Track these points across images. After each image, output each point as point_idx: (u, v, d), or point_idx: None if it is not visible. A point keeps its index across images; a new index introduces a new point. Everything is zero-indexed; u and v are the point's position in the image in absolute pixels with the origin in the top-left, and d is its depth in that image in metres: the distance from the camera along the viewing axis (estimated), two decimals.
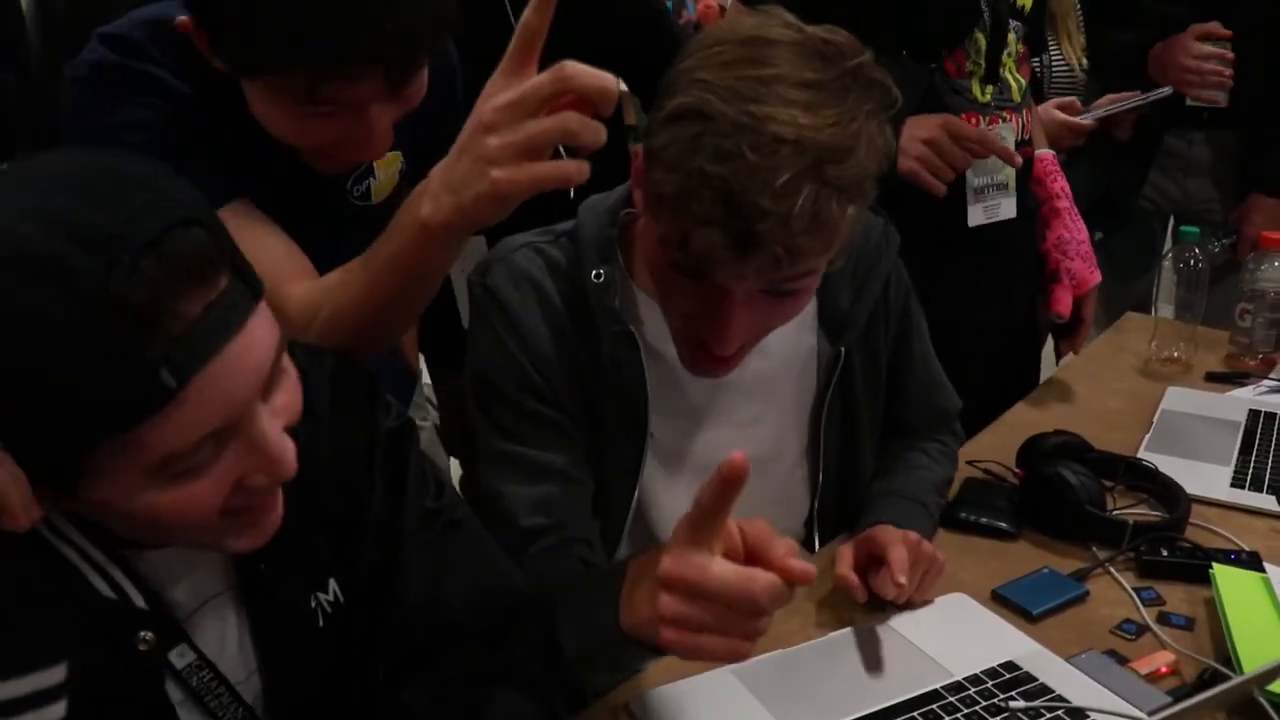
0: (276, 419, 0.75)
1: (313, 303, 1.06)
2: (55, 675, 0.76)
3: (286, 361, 0.78)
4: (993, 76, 1.63)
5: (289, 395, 0.78)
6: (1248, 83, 2.19)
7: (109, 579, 0.80)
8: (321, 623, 0.91)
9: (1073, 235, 1.75)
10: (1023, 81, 1.70)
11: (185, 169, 0.76)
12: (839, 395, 1.27)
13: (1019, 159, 1.65)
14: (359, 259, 1.05)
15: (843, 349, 1.25)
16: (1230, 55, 2.18)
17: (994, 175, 1.66)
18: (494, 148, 0.85)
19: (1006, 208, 1.69)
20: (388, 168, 1.29)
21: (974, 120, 1.63)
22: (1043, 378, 1.91)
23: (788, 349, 1.25)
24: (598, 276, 1.13)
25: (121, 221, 0.66)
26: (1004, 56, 1.64)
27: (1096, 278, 1.75)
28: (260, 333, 0.72)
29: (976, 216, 1.67)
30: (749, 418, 1.24)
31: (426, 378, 1.58)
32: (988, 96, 1.65)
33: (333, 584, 0.92)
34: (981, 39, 1.62)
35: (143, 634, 0.81)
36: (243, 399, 0.71)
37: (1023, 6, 1.67)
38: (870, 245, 1.26)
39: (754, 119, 0.92)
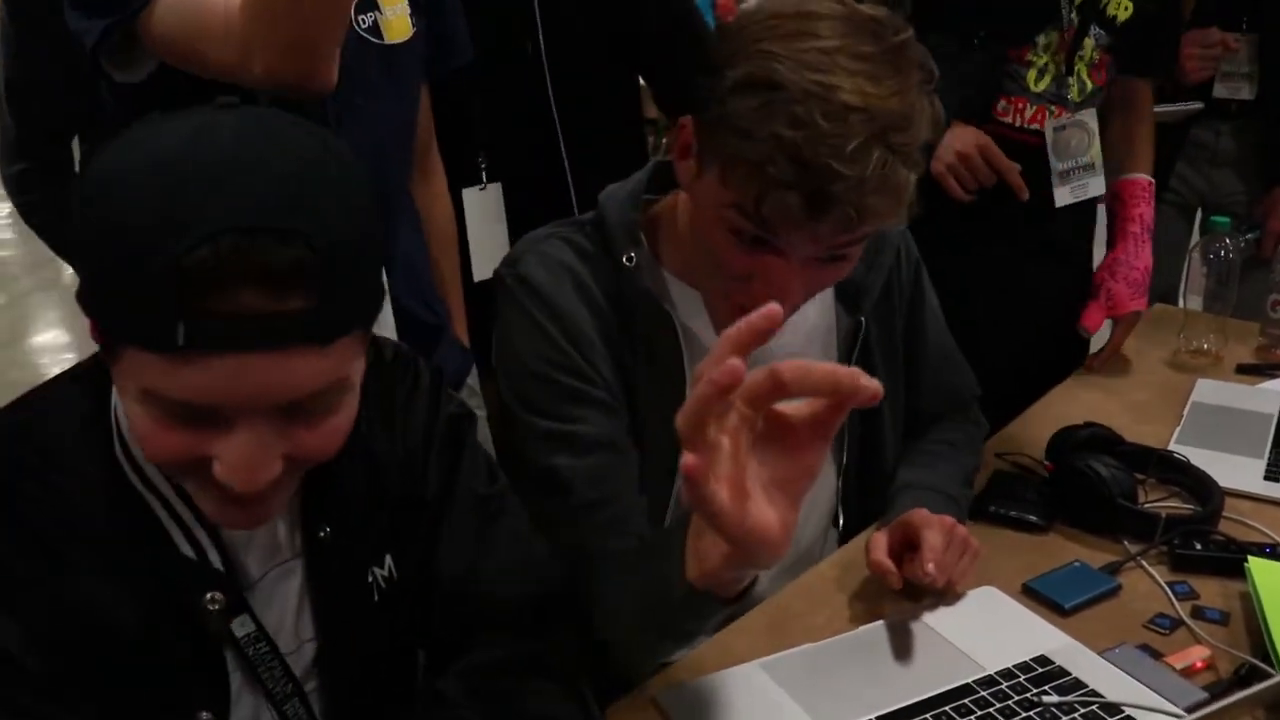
0: (281, 443, 0.76)
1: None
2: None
3: (343, 411, 0.79)
4: (1070, 69, 1.69)
5: (318, 435, 0.78)
6: (1276, 76, 2.16)
7: (191, 538, 0.84)
8: (376, 597, 0.94)
9: (1128, 260, 1.76)
10: (1089, 85, 1.72)
11: None
12: (860, 366, 1.26)
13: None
14: None
15: (862, 319, 1.26)
16: (1234, 45, 2.16)
17: (1079, 158, 1.71)
18: None
19: (1095, 186, 1.74)
20: (392, 4, 1.30)
21: (1021, 104, 1.69)
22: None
23: (809, 324, 1.26)
24: (629, 260, 1.13)
25: (251, 195, 0.69)
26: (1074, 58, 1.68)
27: (1138, 305, 1.76)
28: (292, 367, 0.72)
29: (1064, 197, 1.74)
30: None
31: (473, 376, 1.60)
32: (1041, 86, 1.68)
33: (389, 560, 0.94)
34: (1054, 37, 1.66)
35: (213, 594, 0.84)
36: (237, 402, 0.73)
37: (1114, 17, 1.69)
38: None
39: (823, 88, 0.95)
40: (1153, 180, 1.80)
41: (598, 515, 1.11)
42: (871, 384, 0.72)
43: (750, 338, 0.73)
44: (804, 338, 1.25)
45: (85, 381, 0.85)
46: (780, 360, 1.20)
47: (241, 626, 0.87)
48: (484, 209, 1.65)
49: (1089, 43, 1.69)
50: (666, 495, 1.21)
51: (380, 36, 1.30)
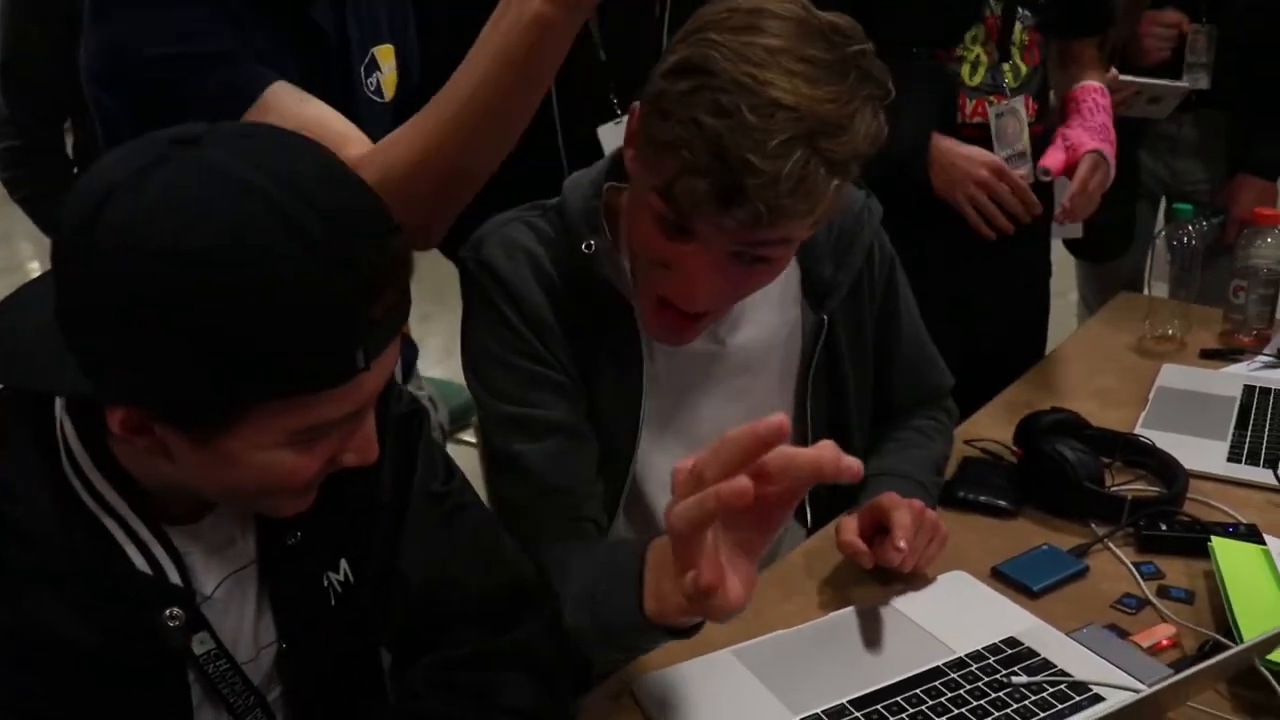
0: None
1: (366, 160, 1.05)
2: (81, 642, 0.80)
3: None
4: (1005, 56, 1.69)
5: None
6: (1235, 65, 2.19)
7: (147, 554, 0.83)
8: (333, 601, 0.93)
9: (1083, 120, 1.70)
10: (1024, 68, 1.72)
11: (242, 56, 0.87)
12: (824, 365, 1.29)
13: (1039, 207, 1.68)
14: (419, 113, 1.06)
15: (825, 318, 1.26)
16: (1187, 28, 2.18)
17: (1014, 145, 1.70)
18: None
19: (1029, 171, 1.72)
20: (387, 61, 1.33)
21: (981, 108, 1.69)
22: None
23: (774, 321, 1.26)
24: (588, 247, 1.14)
25: (352, 209, 0.72)
26: (1008, 45, 1.68)
27: (1099, 145, 1.65)
28: (397, 343, 0.78)
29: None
30: (738, 389, 1.25)
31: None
32: (976, 80, 1.68)
33: (344, 564, 0.94)
34: (980, 29, 1.66)
35: (172, 610, 0.84)
36: (378, 390, 0.78)
37: None
38: (851, 216, 1.28)
39: (755, 81, 0.95)
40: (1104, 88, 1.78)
41: (555, 500, 1.12)
42: (853, 464, 0.72)
43: (756, 447, 0.71)
44: (769, 335, 1.26)
45: (16, 404, 0.82)
46: (742, 358, 1.22)
47: (201, 644, 0.86)
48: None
49: (1016, 27, 1.69)
50: (622, 479, 1.22)
51: (382, 95, 1.33)
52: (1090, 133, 1.67)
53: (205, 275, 0.67)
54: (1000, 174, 1.64)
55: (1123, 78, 2.03)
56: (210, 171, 0.69)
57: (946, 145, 1.67)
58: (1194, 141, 2.34)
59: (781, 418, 0.70)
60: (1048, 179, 1.64)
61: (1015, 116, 1.69)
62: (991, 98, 1.70)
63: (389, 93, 1.33)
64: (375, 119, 1.30)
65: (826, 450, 0.73)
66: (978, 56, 1.68)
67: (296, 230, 0.68)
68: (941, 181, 1.67)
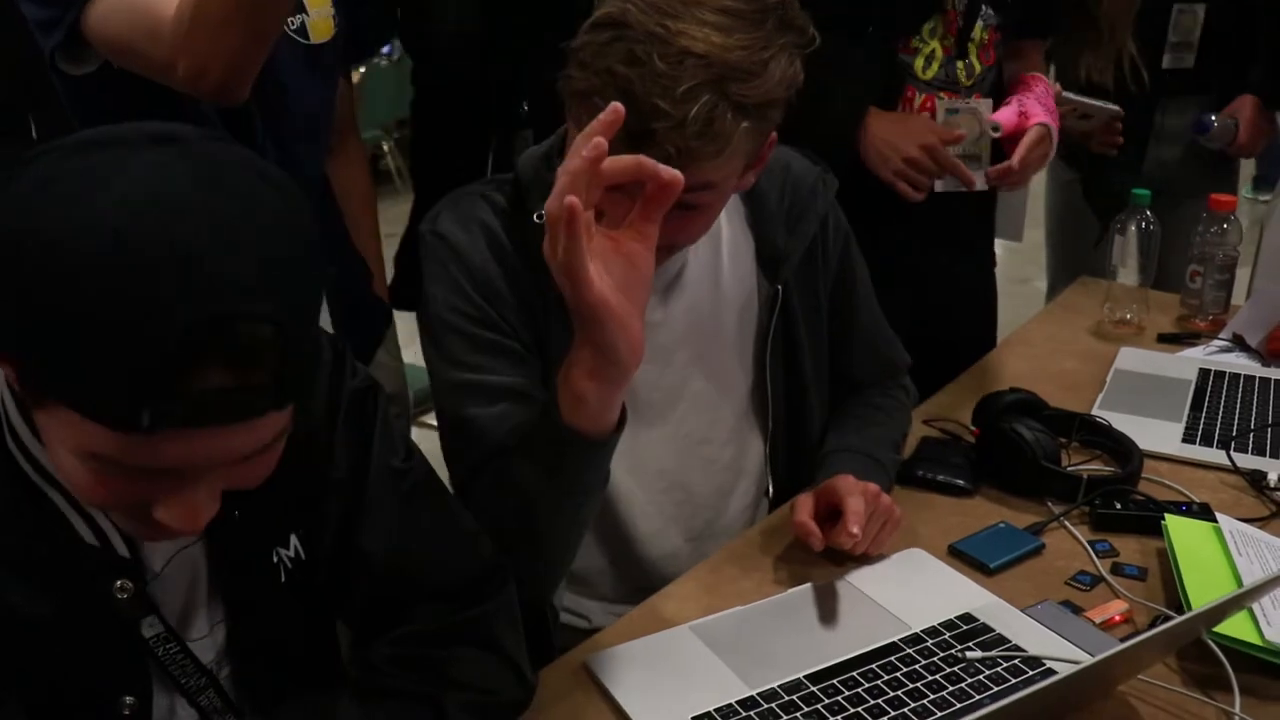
0: (221, 483, 0.75)
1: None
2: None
3: (282, 441, 0.77)
4: (961, 53, 1.66)
5: (254, 473, 0.77)
6: (1214, 46, 2.22)
7: (94, 525, 0.82)
8: (283, 578, 0.92)
9: (1036, 96, 1.68)
10: (978, 66, 1.69)
11: None
12: (780, 333, 1.30)
13: (977, 182, 1.64)
14: None
15: (779, 287, 1.27)
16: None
17: (966, 147, 1.65)
18: None
19: (975, 180, 1.66)
20: (318, 6, 1.37)
21: (911, 93, 1.66)
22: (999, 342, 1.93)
23: (728, 289, 1.27)
24: (539, 218, 1.13)
25: (223, 282, 0.66)
26: (966, 42, 1.66)
27: (1049, 120, 1.63)
28: (256, 432, 0.72)
29: (943, 184, 1.66)
30: (693, 355, 1.26)
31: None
32: (929, 74, 1.66)
33: (294, 540, 0.93)
34: (939, 22, 1.64)
35: (121, 582, 0.83)
36: (200, 467, 0.72)
37: None
38: (805, 187, 1.29)
39: (668, 31, 1.00)
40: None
41: (498, 460, 1.10)
42: (669, 171, 0.89)
43: (604, 130, 0.86)
44: (724, 302, 1.27)
45: None
46: (696, 325, 1.23)
47: (150, 628, 0.85)
48: None
49: (978, 25, 1.66)
50: None
51: (306, 37, 1.36)
52: (1044, 109, 1.67)
53: (35, 260, 0.65)
54: (932, 151, 1.60)
55: (1065, 94, 2.02)
56: (123, 174, 0.67)
57: (883, 122, 1.63)
58: (1176, 129, 2.35)
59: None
60: (997, 134, 1.63)
61: (975, 117, 1.66)
62: (942, 93, 1.67)
63: (316, 36, 1.37)
64: (295, 60, 1.34)
65: (646, 161, 0.88)
66: (933, 50, 1.66)
67: (140, 270, 0.64)
68: (873, 155, 1.62)
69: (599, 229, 0.92)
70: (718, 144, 1.02)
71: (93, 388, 0.66)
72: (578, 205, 0.86)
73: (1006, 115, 1.64)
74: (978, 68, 1.69)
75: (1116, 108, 2.13)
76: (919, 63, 1.66)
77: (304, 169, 1.42)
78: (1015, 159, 1.58)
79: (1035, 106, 1.65)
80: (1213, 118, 2.22)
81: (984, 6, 1.66)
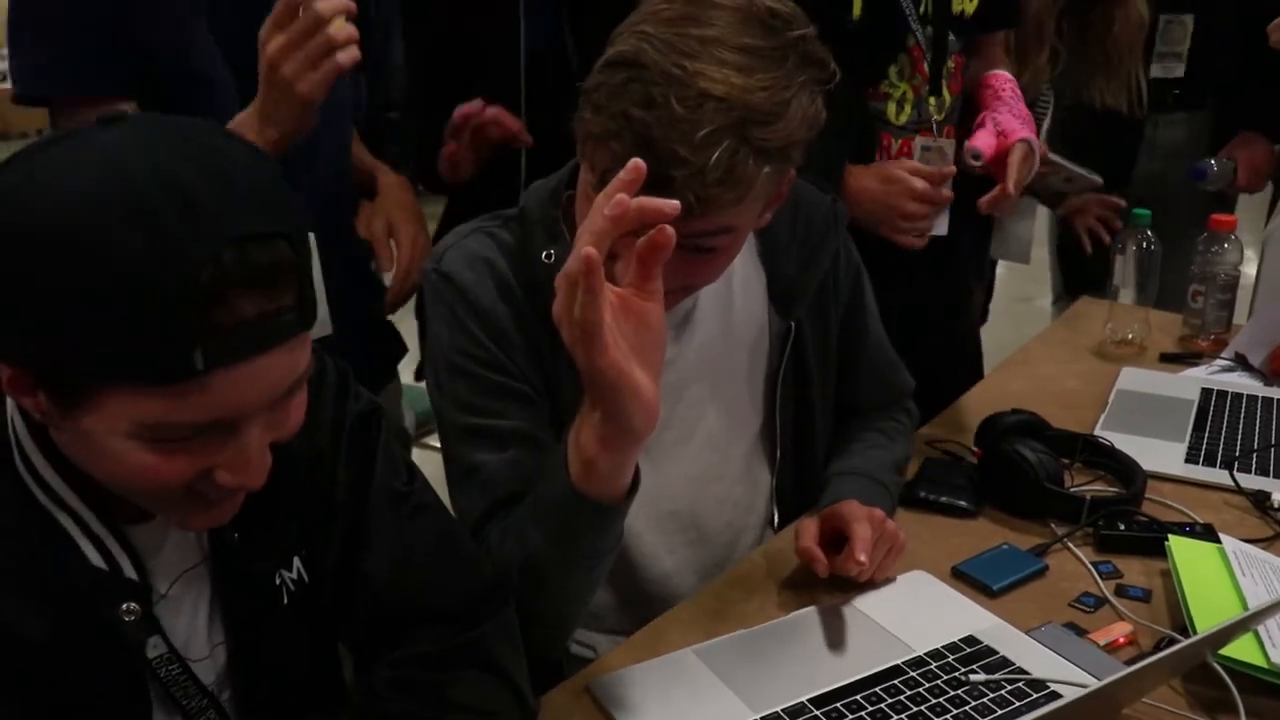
0: (269, 432, 0.78)
1: None
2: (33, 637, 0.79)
3: (307, 383, 0.80)
4: (935, 89, 1.61)
5: (292, 414, 0.80)
6: (1206, 55, 2.23)
7: (102, 548, 0.82)
8: (285, 600, 0.92)
9: (1008, 106, 1.59)
10: (948, 98, 1.64)
11: None
12: (792, 369, 1.28)
13: (949, 195, 1.59)
14: None
15: (793, 323, 1.26)
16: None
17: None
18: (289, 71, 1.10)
19: (939, 224, 1.61)
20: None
21: (906, 147, 1.61)
22: (985, 363, 1.92)
23: (740, 325, 1.26)
24: (548, 257, 1.13)
25: (227, 208, 0.69)
26: (940, 78, 1.61)
27: (1028, 134, 1.54)
28: (293, 357, 0.75)
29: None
30: (705, 393, 1.25)
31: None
32: (903, 119, 1.61)
33: (297, 563, 0.93)
34: (905, 61, 1.59)
35: (128, 605, 0.83)
36: (250, 406, 0.74)
37: (961, 12, 1.61)
38: (818, 219, 1.27)
39: (685, 73, 0.96)
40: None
41: (511, 508, 1.09)
42: (670, 204, 0.85)
43: (626, 188, 0.84)
44: (735, 339, 1.26)
45: None
46: (706, 363, 1.22)
47: (154, 649, 0.85)
48: None
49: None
50: None
51: None
52: (1020, 120, 1.57)
53: (43, 253, 0.67)
54: (927, 198, 1.54)
55: (1051, 156, 1.99)
56: (91, 153, 0.70)
57: (863, 183, 1.56)
58: (1171, 144, 2.36)
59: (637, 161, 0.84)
60: (978, 163, 1.53)
61: (941, 156, 1.60)
62: (918, 135, 1.61)
63: None
64: None
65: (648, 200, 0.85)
66: (904, 93, 1.60)
67: (145, 220, 0.67)
68: (866, 217, 1.54)
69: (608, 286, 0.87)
70: (739, 191, 0.99)
71: (139, 349, 0.68)
72: (595, 256, 0.82)
73: (984, 140, 1.53)
74: (947, 99, 1.64)
75: (1098, 178, 2.11)
76: (890, 108, 1.61)
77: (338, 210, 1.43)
78: (1009, 183, 1.49)
79: (1010, 121, 1.57)
80: (1211, 162, 2.20)
81: (949, 35, 1.60)
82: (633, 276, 0.89)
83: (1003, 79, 1.66)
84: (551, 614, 1.06)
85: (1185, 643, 0.88)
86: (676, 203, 0.85)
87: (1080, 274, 2.41)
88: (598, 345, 0.85)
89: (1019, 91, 1.66)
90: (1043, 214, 2.34)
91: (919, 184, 1.53)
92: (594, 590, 1.08)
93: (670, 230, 0.85)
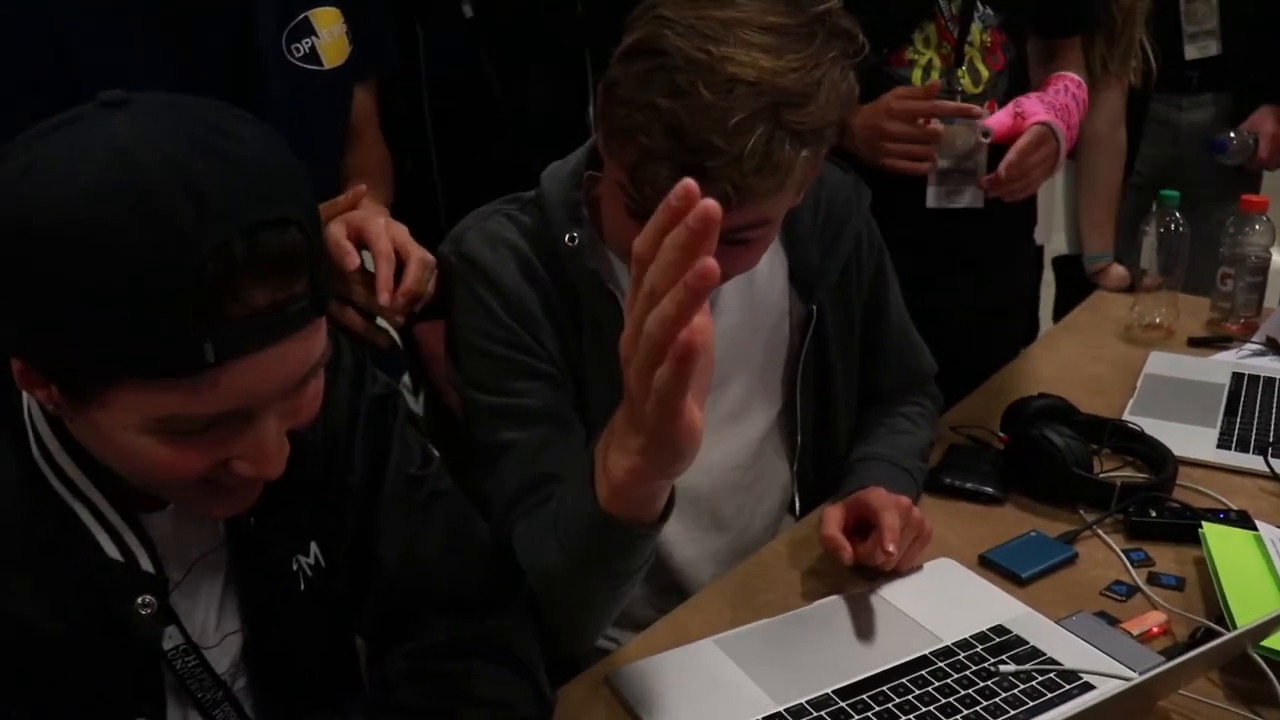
0: (285, 420, 0.77)
1: None
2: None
3: (323, 369, 0.79)
4: (960, 60, 1.56)
5: (308, 401, 0.79)
6: (1237, 31, 2.20)
7: (119, 540, 0.82)
8: (303, 586, 0.91)
9: (1046, 94, 1.56)
10: (985, 72, 1.58)
11: None
12: (813, 354, 1.26)
13: (968, 197, 1.55)
14: None
15: (814, 307, 1.23)
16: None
17: (962, 161, 1.55)
18: None
19: (970, 197, 1.57)
20: (327, 25, 1.28)
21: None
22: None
23: (759, 308, 1.23)
24: (571, 240, 1.11)
25: (237, 196, 0.67)
26: (963, 47, 1.57)
27: (1046, 118, 1.50)
28: (307, 344, 0.74)
29: (933, 198, 1.57)
30: (724, 379, 1.22)
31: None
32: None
33: (314, 547, 0.92)
34: (931, 30, 1.56)
35: (144, 597, 0.82)
36: (265, 396, 0.73)
37: None
38: (840, 202, 1.24)
39: (711, 58, 0.92)
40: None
41: (544, 489, 1.07)
42: (707, 203, 0.70)
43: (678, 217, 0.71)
44: (753, 322, 1.23)
45: None
46: (724, 346, 1.19)
47: (170, 639, 0.85)
48: None
49: (976, 28, 1.56)
50: None
51: (319, 63, 1.28)
52: (1046, 106, 1.54)
53: (48, 248, 0.65)
54: (903, 114, 1.47)
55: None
56: (97, 139, 0.67)
57: (858, 114, 1.48)
58: (1195, 127, 2.32)
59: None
60: (987, 140, 1.51)
61: (973, 132, 1.54)
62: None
63: (329, 61, 1.28)
64: (308, 87, 1.25)
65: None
66: (930, 60, 1.56)
67: (153, 214, 0.65)
68: (860, 146, 1.49)
69: None
70: (777, 177, 0.95)
71: (148, 345, 0.66)
72: (697, 346, 0.70)
73: (999, 119, 1.51)
74: (985, 74, 1.58)
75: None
76: (916, 75, 1.56)
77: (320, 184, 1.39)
78: (1003, 165, 1.45)
79: (1035, 105, 1.53)
80: (1231, 135, 2.18)
81: (981, 6, 1.56)
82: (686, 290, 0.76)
83: (1065, 77, 1.63)
84: (569, 622, 1.02)
85: (1228, 636, 0.85)
86: (716, 205, 0.73)
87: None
88: (676, 412, 0.75)
89: (1075, 90, 1.62)
90: (1058, 205, 2.31)
91: (897, 103, 1.48)
92: (621, 604, 1.01)
93: (715, 205, 0.73)
